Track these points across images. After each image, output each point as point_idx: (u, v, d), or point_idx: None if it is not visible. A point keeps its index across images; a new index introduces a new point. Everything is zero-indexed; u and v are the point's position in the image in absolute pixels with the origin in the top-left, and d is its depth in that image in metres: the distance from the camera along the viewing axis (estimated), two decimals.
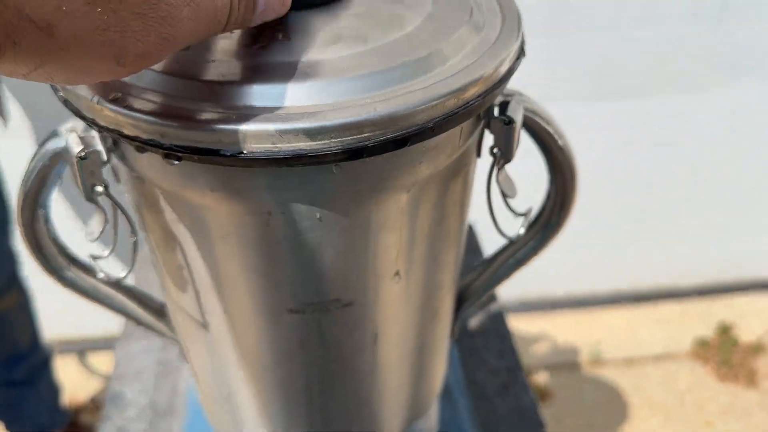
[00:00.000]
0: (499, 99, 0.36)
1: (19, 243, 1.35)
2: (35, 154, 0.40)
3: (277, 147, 0.28)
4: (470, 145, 0.38)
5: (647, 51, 1.68)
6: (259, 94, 0.29)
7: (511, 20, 0.36)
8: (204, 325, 0.42)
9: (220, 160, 0.28)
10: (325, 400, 0.42)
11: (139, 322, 0.49)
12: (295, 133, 0.28)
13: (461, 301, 0.52)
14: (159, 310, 0.49)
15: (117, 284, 0.47)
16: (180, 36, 0.25)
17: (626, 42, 1.65)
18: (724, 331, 2.06)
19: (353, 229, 0.34)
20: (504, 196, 0.39)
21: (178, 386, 0.88)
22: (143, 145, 0.28)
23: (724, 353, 1.99)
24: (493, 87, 0.32)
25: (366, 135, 0.28)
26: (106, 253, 0.39)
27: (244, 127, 0.27)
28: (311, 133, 0.28)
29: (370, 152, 0.29)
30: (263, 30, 0.31)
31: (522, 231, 0.41)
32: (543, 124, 0.42)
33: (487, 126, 0.36)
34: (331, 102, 0.29)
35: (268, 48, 0.31)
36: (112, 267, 0.48)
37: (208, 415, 0.52)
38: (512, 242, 0.48)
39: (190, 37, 0.25)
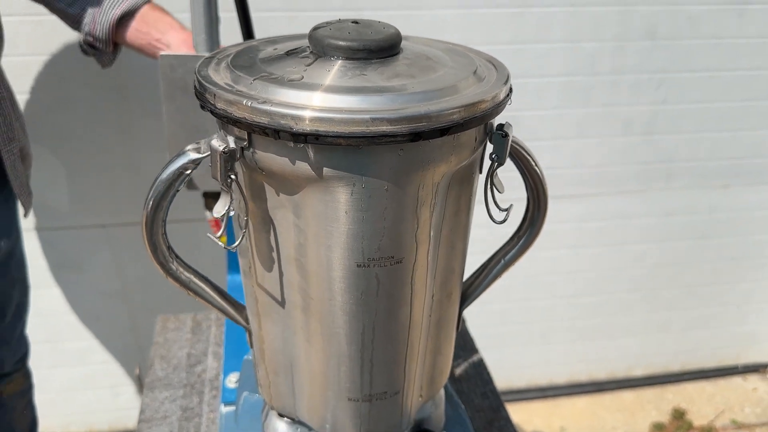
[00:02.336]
0: (498, 122, 0.54)
1: (29, 330, 1.43)
2: (164, 170, 0.55)
3: (369, 129, 0.44)
4: (476, 157, 0.55)
5: (587, 159, 1.93)
6: (357, 101, 0.46)
7: (502, 73, 0.54)
8: (282, 297, 0.56)
9: (332, 140, 0.44)
10: (373, 351, 0.56)
11: (219, 309, 0.62)
12: (381, 120, 0.44)
13: (464, 299, 0.67)
14: (232, 302, 0.63)
15: (205, 279, 0.61)
16: None
17: (568, 151, 1.90)
18: (679, 416, 2.19)
19: (406, 200, 0.50)
20: (495, 191, 0.56)
21: (201, 428, 0.98)
22: (280, 131, 0.45)
23: None
24: (496, 105, 0.50)
25: (423, 124, 0.45)
26: (219, 233, 0.54)
27: (349, 117, 0.44)
28: (390, 121, 0.44)
29: (425, 136, 0.46)
30: (348, 72, 0.49)
31: (506, 217, 0.57)
32: (524, 152, 0.60)
33: (490, 138, 0.53)
34: (399, 106, 0.46)
35: (354, 79, 0.48)
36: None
37: (265, 389, 0.64)
38: (505, 245, 0.65)
39: None
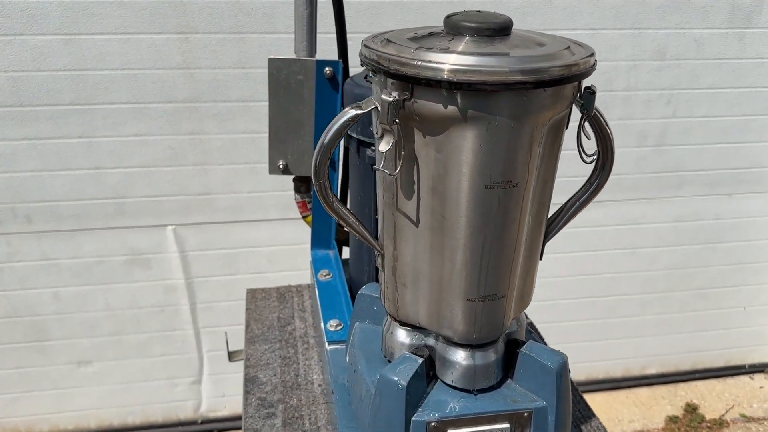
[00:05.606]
0: (586, 84, 0.73)
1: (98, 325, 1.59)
2: (330, 127, 0.73)
3: (507, 79, 0.63)
4: (568, 112, 0.74)
5: None
6: (494, 60, 0.64)
7: (587, 50, 0.73)
8: (417, 219, 0.74)
9: (480, 86, 0.63)
10: (489, 258, 0.74)
11: (361, 235, 0.80)
12: (515, 72, 0.63)
13: (547, 232, 0.85)
14: (369, 231, 0.81)
15: (352, 213, 0.79)
16: None
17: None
18: (692, 410, 2.35)
19: (524, 136, 0.68)
20: (584, 137, 0.74)
21: (299, 371, 1.14)
22: (442, 81, 0.63)
23: (693, 428, 2.27)
24: (588, 68, 0.69)
25: (544, 76, 0.64)
26: (390, 168, 0.72)
27: (493, 69, 0.63)
28: (524, 72, 0.63)
29: (544, 84, 0.64)
30: (480, 44, 0.68)
31: (593, 159, 0.75)
32: (598, 114, 0.79)
33: (580, 95, 0.72)
34: (525, 64, 0.64)
35: (488, 48, 0.67)
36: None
37: (392, 302, 0.82)
38: (579, 190, 0.83)
39: None
